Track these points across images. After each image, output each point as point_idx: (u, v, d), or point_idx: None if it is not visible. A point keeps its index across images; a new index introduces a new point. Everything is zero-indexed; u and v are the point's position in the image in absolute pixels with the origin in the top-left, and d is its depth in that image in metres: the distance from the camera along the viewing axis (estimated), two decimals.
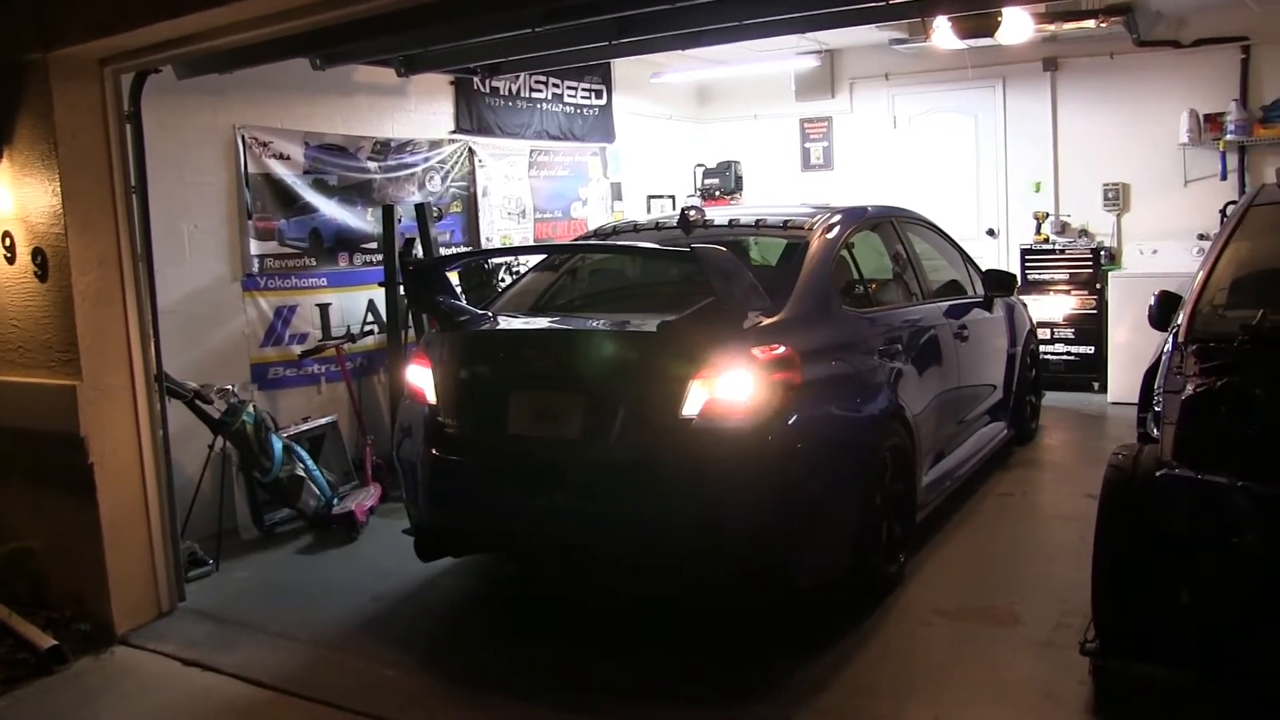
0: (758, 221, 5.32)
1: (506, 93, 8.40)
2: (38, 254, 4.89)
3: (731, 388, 4.02)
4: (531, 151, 8.69)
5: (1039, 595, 4.64)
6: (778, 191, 10.45)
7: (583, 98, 9.21)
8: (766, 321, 4.21)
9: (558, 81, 8.87)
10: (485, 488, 4.50)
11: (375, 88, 7.28)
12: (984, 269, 6.87)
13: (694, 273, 4.24)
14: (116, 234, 4.94)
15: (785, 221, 5.22)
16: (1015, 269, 9.24)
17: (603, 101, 9.46)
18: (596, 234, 6.06)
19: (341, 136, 7.03)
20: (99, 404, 4.83)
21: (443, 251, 7.40)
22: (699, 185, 10.45)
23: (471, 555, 5.29)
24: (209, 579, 5.51)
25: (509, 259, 7.39)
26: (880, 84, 10.18)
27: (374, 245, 7.14)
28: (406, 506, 4.91)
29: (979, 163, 9.87)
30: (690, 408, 4.05)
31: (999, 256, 9.68)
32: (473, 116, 8.06)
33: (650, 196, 10.01)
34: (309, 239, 6.79)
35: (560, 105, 8.96)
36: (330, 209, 6.93)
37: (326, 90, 6.87)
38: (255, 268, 6.48)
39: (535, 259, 6.15)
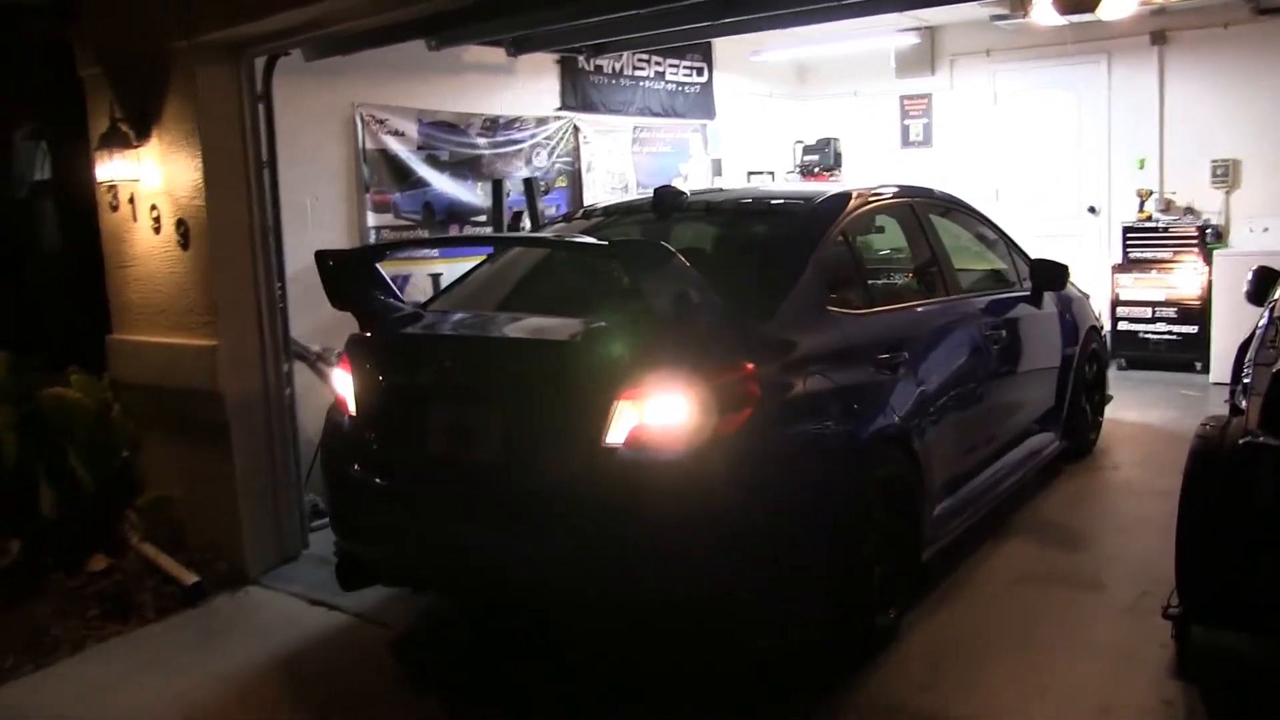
0: (741, 205, 4.69)
1: (610, 71, 8.63)
2: (181, 224, 5.30)
3: (664, 411, 3.33)
4: (634, 128, 8.92)
5: (1125, 565, 4.74)
6: (876, 168, 10.51)
7: (684, 75, 9.40)
8: (716, 329, 3.48)
9: (660, 59, 9.08)
10: (400, 514, 3.94)
11: (484, 67, 7.57)
12: (1032, 259, 5.89)
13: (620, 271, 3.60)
14: (250, 206, 5.32)
15: (770, 205, 4.64)
16: (1117, 247, 9.19)
17: (704, 79, 9.64)
18: (582, 214, 5.27)
19: (453, 114, 7.34)
20: (234, 364, 5.22)
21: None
22: (798, 162, 10.56)
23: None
24: (329, 529, 5.89)
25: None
26: (981, 60, 10.15)
27: (483, 218, 7.45)
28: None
29: (1081, 139, 9.79)
30: (614, 434, 3.38)
31: (1101, 234, 9.62)
32: (578, 94, 8.32)
33: (750, 173, 10.16)
34: (422, 211, 7.13)
35: (662, 83, 9.16)
36: (442, 183, 7.26)
37: (439, 69, 7.17)
38: (371, 239, 6.84)
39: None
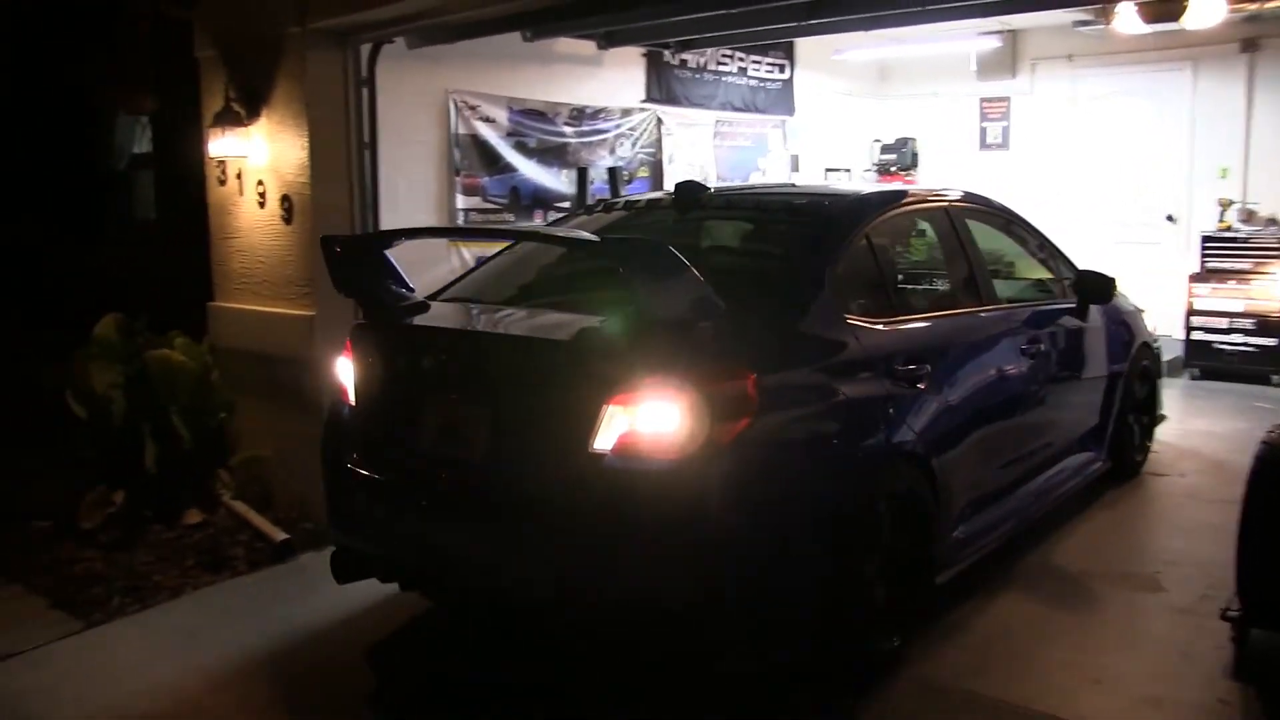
0: (764, 203, 4.57)
1: (694, 65, 8.81)
2: (285, 200, 5.59)
3: (655, 418, 3.17)
4: (715, 121, 9.10)
5: (1186, 568, 4.80)
6: (953, 169, 10.55)
7: (766, 72, 9.55)
8: (716, 333, 3.27)
9: (743, 55, 9.24)
10: (387, 510, 3.87)
11: (573, 57, 7.79)
12: (1079, 270, 5.55)
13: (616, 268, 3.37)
14: (350, 185, 5.60)
15: (794, 204, 4.46)
16: (1195, 256, 9.15)
17: (785, 76, 9.77)
18: (603, 207, 5.00)
19: (541, 102, 7.58)
20: (329, 333, 5.49)
21: None
22: (875, 160, 10.66)
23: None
24: None
25: None
26: (1062, 65, 10.15)
27: (567, 205, 7.68)
28: None
29: (1161, 146, 9.76)
30: (603, 440, 3.22)
31: (1179, 243, 9.58)
32: (662, 87, 8.51)
33: (828, 169, 10.27)
34: (509, 196, 7.38)
35: (744, 78, 9.32)
36: (529, 169, 7.50)
37: (529, 59, 7.40)
38: (460, 220, 7.09)
39: None
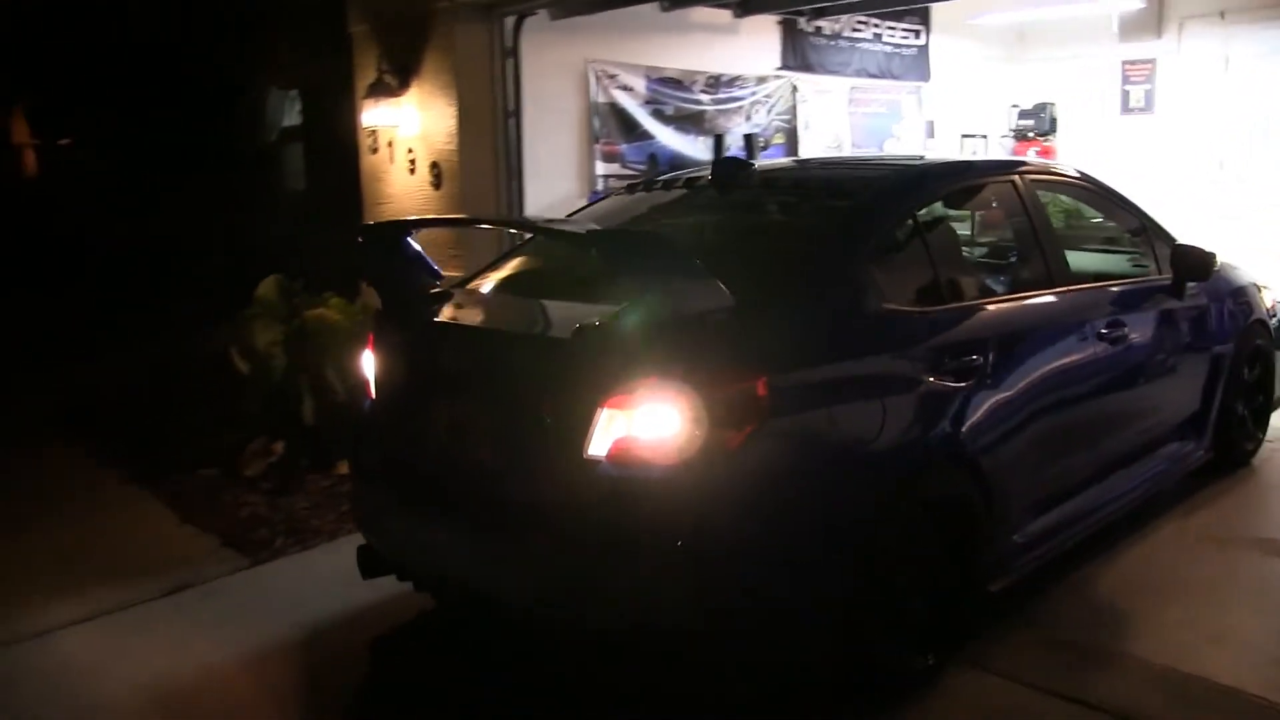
0: (802, 181, 4.25)
1: (829, 32, 8.80)
2: (434, 167, 5.86)
3: (653, 423, 2.92)
4: (850, 89, 9.10)
5: None
6: (1092, 134, 10.29)
7: (901, 38, 9.47)
8: (722, 331, 2.96)
9: (878, 22, 9.18)
10: (400, 509, 3.73)
11: (709, 26, 7.87)
12: (1174, 244, 5.02)
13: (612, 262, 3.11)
14: (495, 152, 5.84)
15: (834, 182, 4.12)
16: None
17: (920, 41, 9.68)
18: (644, 185, 4.62)
19: (678, 71, 7.70)
20: None
21: None
22: (1012, 126, 10.45)
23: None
24: None
25: None
26: (1214, 23, 9.76)
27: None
28: None
29: None
30: (597, 445, 2.99)
31: None
32: (797, 54, 8.54)
33: (964, 135, 10.14)
34: (647, 163, 7.53)
35: (879, 45, 9.27)
36: (666, 136, 7.65)
37: (666, 28, 7.52)
38: (599, 186, 7.26)
39: None
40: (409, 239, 3.85)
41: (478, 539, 3.35)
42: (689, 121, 7.79)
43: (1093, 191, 4.93)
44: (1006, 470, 3.70)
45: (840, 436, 3.21)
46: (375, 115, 5.98)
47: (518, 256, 4.26)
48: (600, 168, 7.28)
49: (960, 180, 4.28)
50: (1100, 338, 4.29)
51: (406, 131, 5.97)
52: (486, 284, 4.03)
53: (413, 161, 5.97)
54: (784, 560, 3.07)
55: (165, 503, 5.33)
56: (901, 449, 3.33)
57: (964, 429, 3.52)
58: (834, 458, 3.20)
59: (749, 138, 7.70)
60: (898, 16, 9.33)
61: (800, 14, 8.26)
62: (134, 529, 5.02)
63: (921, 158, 5.45)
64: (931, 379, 3.43)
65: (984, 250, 4.92)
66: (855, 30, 9.02)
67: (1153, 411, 4.80)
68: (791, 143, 8.59)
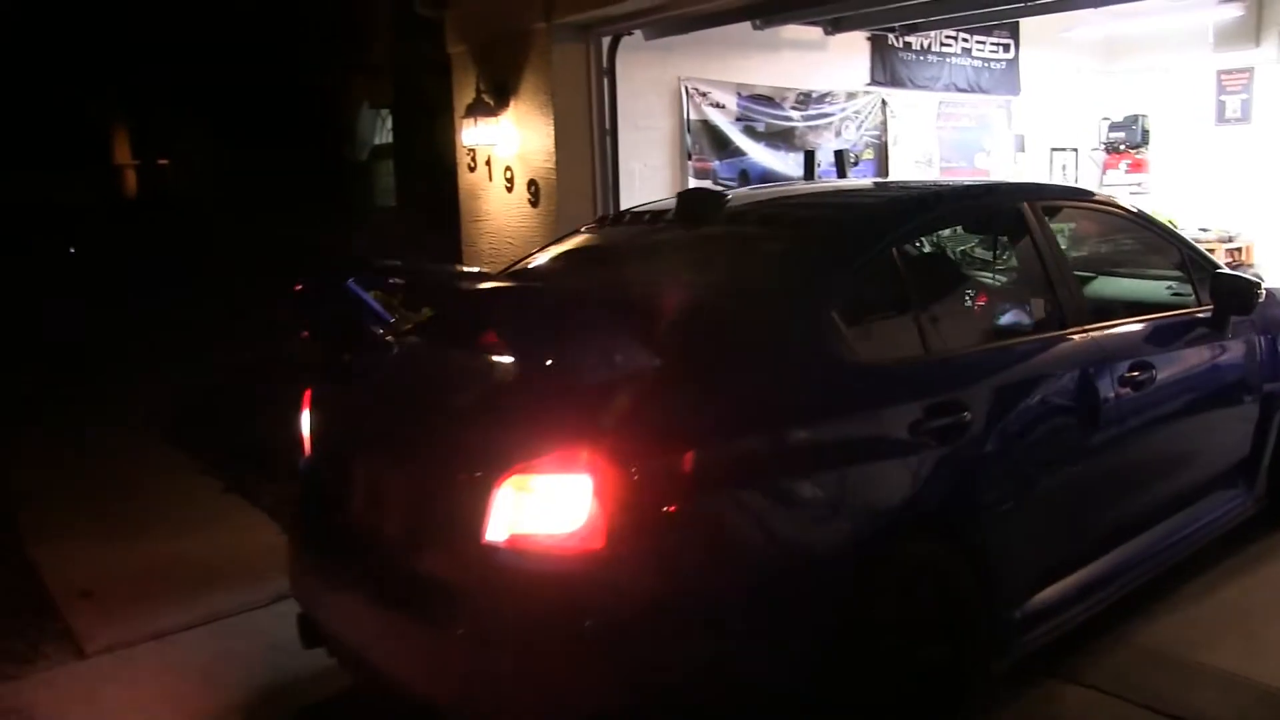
0: (769, 215, 3.74)
1: (918, 47, 8.81)
2: (532, 184, 6.01)
3: (556, 503, 2.50)
4: (939, 103, 9.08)
5: None
6: (1186, 146, 10.12)
7: (990, 51, 9.43)
8: (642, 392, 2.56)
9: (967, 36, 9.16)
10: (320, 576, 3.35)
11: (799, 43, 7.94)
12: (1215, 273, 4.49)
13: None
14: (593, 170, 5.98)
15: (803, 215, 3.73)
16: None
17: (1010, 55, 9.61)
18: (611, 220, 4.33)
19: (769, 88, 7.78)
20: None
21: None
22: (1104, 139, 10.34)
23: None
24: None
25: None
26: None
27: None
28: None
29: None
30: (495, 528, 2.57)
31: None
32: (886, 70, 8.56)
33: (1054, 149, 10.05)
34: (739, 179, 7.63)
35: (968, 59, 9.24)
36: (757, 153, 7.73)
37: (757, 46, 7.60)
38: None
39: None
40: (353, 285, 3.40)
41: (386, 628, 2.96)
42: (779, 138, 7.86)
43: (1121, 218, 4.49)
44: (1005, 536, 3.29)
45: (790, 515, 2.79)
46: (474, 134, 6.15)
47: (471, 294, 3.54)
48: (693, 184, 7.37)
49: (953, 211, 3.88)
50: (1122, 382, 3.82)
51: (504, 150, 6.13)
52: (430, 330, 3.61)
53: (510, 179, 6.12)
54: (712, 672, 2.64)
55: (267, 513, 5.47)
56: (869, 524, 2.89)
57: (948, 498, 3.10)
58: (783, 540, 2.76)
59: (839, 154, 7.69)
60: (987, 30, 9.29)
61: (889, 30, 8.29)
62: (239, 538, 5.16)
63: (935, 182, 5.22)
64: (907, 441, 2.97)
65: (981, 290, 4.44)
66: (944, 44, 9.01)
67: (1189, 461, 4.31)
68: (881, 158, 8.62)
